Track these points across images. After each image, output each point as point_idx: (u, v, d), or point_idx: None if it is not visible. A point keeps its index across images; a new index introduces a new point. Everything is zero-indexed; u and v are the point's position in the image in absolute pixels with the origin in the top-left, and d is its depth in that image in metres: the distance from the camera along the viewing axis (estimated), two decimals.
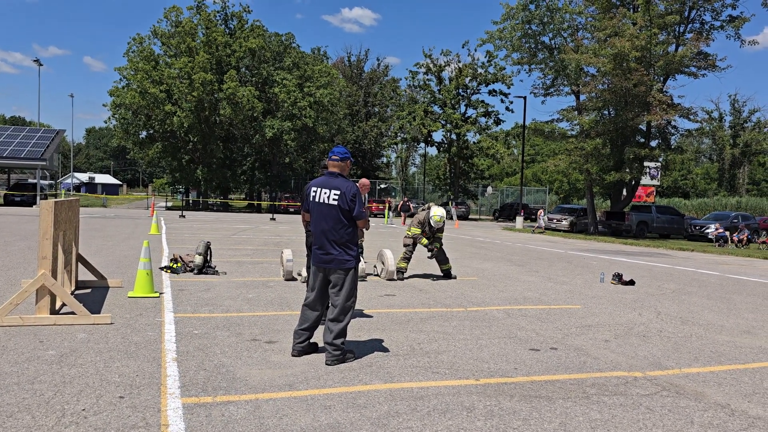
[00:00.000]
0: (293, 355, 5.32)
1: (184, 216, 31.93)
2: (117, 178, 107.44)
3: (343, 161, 5.37)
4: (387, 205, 40.51)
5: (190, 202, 47.37)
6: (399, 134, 54.69)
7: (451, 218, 44.51)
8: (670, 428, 3.96)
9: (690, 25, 29.70)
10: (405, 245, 10.90)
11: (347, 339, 5.69)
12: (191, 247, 14.22)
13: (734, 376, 5.32)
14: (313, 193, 5.31)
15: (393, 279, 10.49)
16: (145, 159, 47.89)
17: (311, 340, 5.50)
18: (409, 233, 10.93)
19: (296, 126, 45.57)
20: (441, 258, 11.07)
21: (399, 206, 38.85)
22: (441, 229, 10.93)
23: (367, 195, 11.95)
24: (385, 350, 5.69)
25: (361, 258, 10.44)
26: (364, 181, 10.64)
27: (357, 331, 6.43)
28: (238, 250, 14.81)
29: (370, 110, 62.44)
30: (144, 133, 46.00)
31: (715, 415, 4.26)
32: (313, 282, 5.38)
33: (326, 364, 5.12)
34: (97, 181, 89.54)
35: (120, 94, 42.36)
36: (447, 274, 11.05)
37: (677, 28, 29.35)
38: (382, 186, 58.66)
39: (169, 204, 51.82)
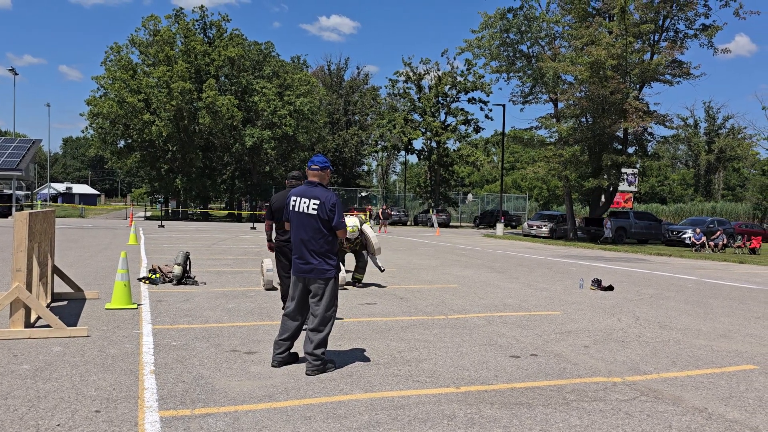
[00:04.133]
0: (273, 366, 5.28)
1: (163, 226, 31.62)
2: (95, 188, 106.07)
3: (323, 170, 5.33)
4: (368, 213, 40.51)
5: (170, 211, 46.93)
6: (379, 142, 54.76)
7: (433, 226, 44.60)
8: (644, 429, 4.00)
9: (664, 34, 30.22)
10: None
11: (327, 349, 5.65)
12: (170, 258, 14.08)
13: (711, 380, 5.39)
14: (293, 203, 5.27)
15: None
16: (124, 169, 47.43)
17: (291, 350, 5.46)
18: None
19: (276, 135, 45.47)
20: (360, 264, 11.07)
21: (379, 214, 38.87)
22: (358, 242, 10.47)
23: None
24: (366, 359, 5.67)
25: (342, 267, 10.41)
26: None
27: (338, 340, 6.40)
28: (218, 260, 14.70)
29: (350, 118, 62.52)
30: (122, 143, 45.53)
31: (693, 420, 4.30)
32: (292, 292, 5.35)
33: (306, 374, 5.09)
34: (74, 191, 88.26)
35: (97, 104, 41.90)
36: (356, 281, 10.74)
37: (652, 37, 29.84)
38: (363, 194, 58.64)
39: (148, 214, 51.30)
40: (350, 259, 14.61)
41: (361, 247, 10.55)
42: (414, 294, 10.07)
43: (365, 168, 70.21)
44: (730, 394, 4.95)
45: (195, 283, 10.24)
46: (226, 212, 52.19)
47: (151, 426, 3.84)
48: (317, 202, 5.17)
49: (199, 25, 47.71)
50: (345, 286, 10.39)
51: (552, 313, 8.61)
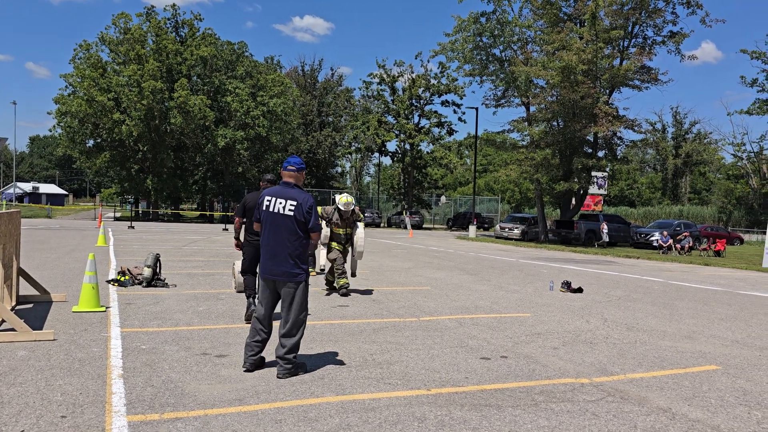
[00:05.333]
0: (245, 369, 5.24)
1: (133, 227, 31.16)
2: (63, 188, 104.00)
3: (298, 171, 5.30)
4: None
5: (140, 212, 46.27)
6: (353, 144, 54.71)
7: (406, 227, 44.72)
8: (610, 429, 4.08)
9: (633, 40, 30.77)
10: (330, 260, 10.02)
11: (300, 352, 5.63)
12: (140, 259, 13.89)
13: (675, 380, 5.51)
14: (267, 203, 5.20)
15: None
16: (93, 168, 46.57)
17: (263, 354, 5.44)
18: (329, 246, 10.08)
19: (249, 135, 45.15)
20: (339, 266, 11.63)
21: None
22: (351, 224, 9.97)
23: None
24: (338, 362, 5.68)
25: (311, 269, 10.41)
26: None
27: (309, 342, 6.39)
28: (189, 262, 14.54)
29: (324, 120, 62.34)
30: (91, 142, 44.75)
31: (657, 419, 4.40)
32: (262, 294, 5.32)
33: (278, 377, 5.07)
34: (41, 191, 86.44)
35: (65, 102, 41.13)
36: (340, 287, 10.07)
37: (622, 43, 30.36)
38: (337, 196, 58.55)
39: (118, 214, 50.50)
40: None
41: (347, 240, 10.08)
42: (386, 296, 10.09)
43: (339, 170, 70.06)
44: (694, 395, 5.07)
45: (165, 285, 10.12)
46: (198, 213, 51.64)
47: (118, 431, 3.80)
48: (294, 203, 5.12)
49: (170, 23, 47.16)
50: (329, 290, 10.37)
51: (522, 315, 8.71)
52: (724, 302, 11.10)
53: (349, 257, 10.45)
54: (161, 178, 44.14)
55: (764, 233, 22.23)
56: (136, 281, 10.12)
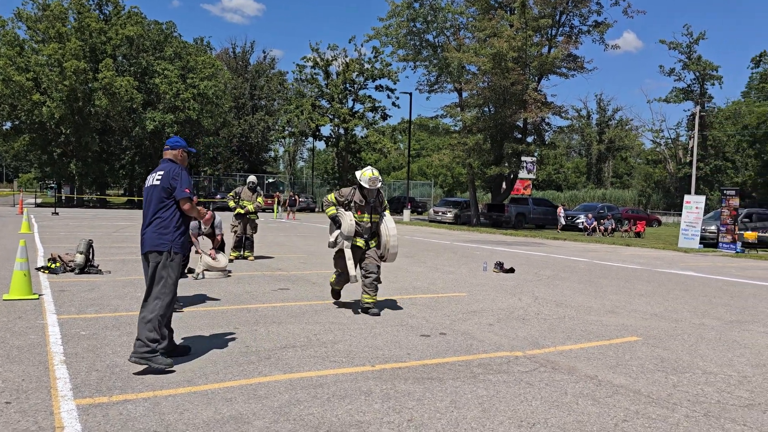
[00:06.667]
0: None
1: (57, 213, 29.91)
2: None
3: (173, 149, 5.23)
4: (276, 199, 40.10)
5: (63, 198, 44.34)
6: (286, 128, 54.11)
7: None
8: (547, 399, 4.39)
9: (561, 29, 31.82)
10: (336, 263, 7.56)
11: (244, 334, 5.69)
12: (69, 246, 13.43)
13: (601, 351, 5.92)
14: (147, 181, 5.20)
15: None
16: (10, 152, 44.28)
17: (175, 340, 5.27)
18: (332, 240, 7.40)
19: (179, 119, 43.96)
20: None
21: (287, 201, 38.59)
22: (378, 210, 7.42)
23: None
24: (283, 342, 5.79)
25: (224, 253, 10.28)
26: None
27: (253, 325, 6.47)
28: (122, 248, 14.20)
29: (256, 103, 61.36)
30: (8, 124, 42.42)
31: (585, 386, 4.75)
32: (145, 272, 5.05)
33: (129, 360, 4.73)
34: None
35: None
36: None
37: (550, 31, 31.34)
38: (270, 180, 57.90)
39: (39, 200, 48.24)
40: (264, 247, 14.58)
41: (373, 233, 7.42)
42: (326, 279, 10.18)
43: (272, 154, 69.24)
44: (617, 363, 5.48)
45: (99, 272, 9.90)
46: (125, 199, 49.97)
47: (68, 414, 3.80)
48: (161, 173, 5.05)
49: (93, 1, 45.08)
50: (230, 273, 10.37)
51: (458, 295, 9.04)
52: (643, 279, 11.83)
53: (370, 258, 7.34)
54: (86, 162, 42.43)
55: (680, 215, 23.62)
56: (68, 268, 9.84)
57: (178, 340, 5.72)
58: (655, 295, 9.80)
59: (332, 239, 7.35)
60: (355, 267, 7.24)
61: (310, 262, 12.59)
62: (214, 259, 9.91)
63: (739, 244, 20.54)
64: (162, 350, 4.81)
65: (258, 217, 13.10)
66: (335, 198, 7.35)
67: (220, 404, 4.07)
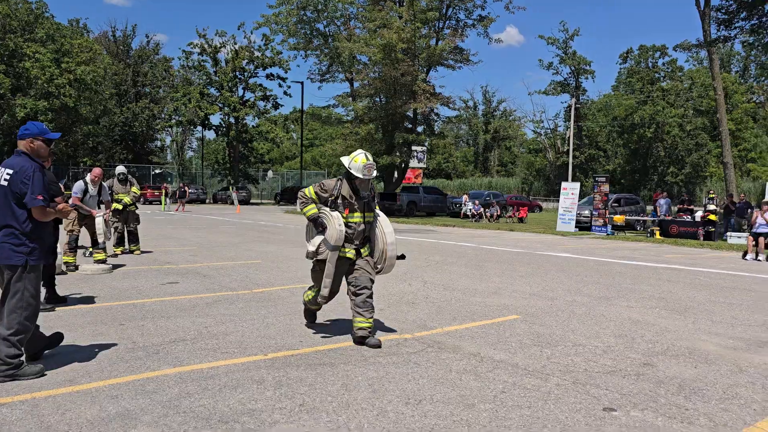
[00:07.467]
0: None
1: None
2: None
3: (21, 138, 4.55)
4: (164, 191, 38.54)
5: None
6: (173, 117, 52.03)
7: (233, 203, 43.88)
8: (433, 377, 4.63)
9: (448, 22, 32.83)
10: (312, 270, 6.02)
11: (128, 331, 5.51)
12: None
13: (484, 330, 6.29)
14: None
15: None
16: None
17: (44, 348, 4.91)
18: (312, 249, 5.73)
19: (54, 106, 41.11)
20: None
21: (176, 192, 37.23)
22: (370, 207, 5.81)
23: (105, 185, 10.59)
24: (172, 336, 5.68)
25: (90, 249, 9.91)
26: (96, 170, 10.15)
27: (140, 320, 6.29)
28: None
29: (140, 90, 58.49)
30: None
31: (469, 363, 5.05)
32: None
33: None
34: None
35: None
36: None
37: (437, 24, 32.23)
38: (157, 171, 55.54)
39: None
40: (149, 241, 14.05)
41: (366, 237, 5.83)
42: (217, 271, 10.06)
43: (159, 144, 66.31)
44: (498, 340, 5.85)
45: None
46: None
47: None
48: (10, 172, 4.42)
49: None
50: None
51: None
52: (524, 262, 12.58)
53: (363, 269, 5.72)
54: None
55: (559, 201, 25.19)
56: None
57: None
58: (534, 276, 10.46)
59: (312, 248, 5.68)
60: (339, 283, 5.74)
61: (201, 255, 12.30)
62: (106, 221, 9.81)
63: (609, 227, 22.24)
64: (25, 359, 4.46)
65: (137, 208, 12.62)
66: (315, 192, 5.69)
67: (106, 402, 3.96)
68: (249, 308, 7.07)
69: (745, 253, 14.87)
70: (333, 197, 5.62)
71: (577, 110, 52.30)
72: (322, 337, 5.82)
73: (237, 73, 49.32)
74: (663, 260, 13.75)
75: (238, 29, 74.16)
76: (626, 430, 3.70)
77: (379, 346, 5.40)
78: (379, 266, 5.80)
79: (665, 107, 54.65)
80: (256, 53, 48.96)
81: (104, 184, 10.43)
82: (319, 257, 5.67)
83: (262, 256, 12.36)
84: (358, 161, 5.61)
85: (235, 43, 49.25)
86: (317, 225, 5.63)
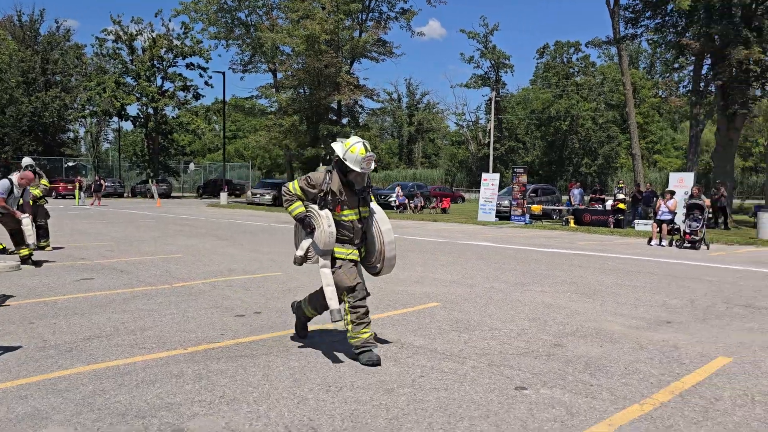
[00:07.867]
0: None
1: None
2: None
3: None
4: (78, 185, 36.79)
5: None
6: (87, 107, 49.62)
7: (153, 197, 42.49)
8: (354, 365, 4.72)
9: (371, 14, 32.95)
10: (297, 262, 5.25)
11: (41, 328, 5.31)
12: None
13: (405, 317, 6.44)
14: None
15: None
16: None
17: None
18: (301, 253, 5.16)
19: None
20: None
21: (92, 186, 35.66)
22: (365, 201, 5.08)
23: (28, 188, 10.22)
24: (86, 334, 5.51)
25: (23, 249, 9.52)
26: (28, 174, 9.73)
27: (52, 318, 6.05)
28: None
29: (50, 79, 55.38)
30: None
31: (389, 349, 5.17)
32: None
33: None
34: None
35: None
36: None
37: (360, 16, 32.28)
38: (70, 164, 52.90)
39: None
40: (60, 236, 13.48)
41: (364, 236, 5.16)
42: (135, 266, 9.77)
43: (72, 135, 63.09)
44: (419, 327, 6.01)
45: None
46: None
47: None
48: None
49: None
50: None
51: (275, 274, 9.18)
52: (446, 251, 12.89)
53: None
54: None
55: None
56: None
57: None
58: (455, 264, 10.75)
59: (301, 252, 5.10)
60: (361, 277, 5.08)
61: (118, 250, 11.90)
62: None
63: (527, 216, 23.05)
64: None
65: (47, 202, 12.07)
66: (301, 188, 4.95)
67: (14, 402, 3.82)
68: (169, 303, 6.94)
69: (650, 239, 15.80)
70: (322, 193, 4.87)
71: (498, 103, 53.69)
72: (245, 329, 5.80)
73: (155, 62, 47.58)
74: (576, 247, 14.42)
75: (156, 16, 71.29)
76: (535, 407, 3.91)
77: (378, 364, 4.73)
78: (378, 266, 5.24)
79: (579, 101, 57.02)
80: (175, 42, 47.37)
81: (14, 178, 9.93)
82: (310, 262, 5.15)
83: (183, 250, 12.09)
84: (355, 151, 4.77)
85: (153, 31, 47.47)
86: (305, 226, 4.97)
